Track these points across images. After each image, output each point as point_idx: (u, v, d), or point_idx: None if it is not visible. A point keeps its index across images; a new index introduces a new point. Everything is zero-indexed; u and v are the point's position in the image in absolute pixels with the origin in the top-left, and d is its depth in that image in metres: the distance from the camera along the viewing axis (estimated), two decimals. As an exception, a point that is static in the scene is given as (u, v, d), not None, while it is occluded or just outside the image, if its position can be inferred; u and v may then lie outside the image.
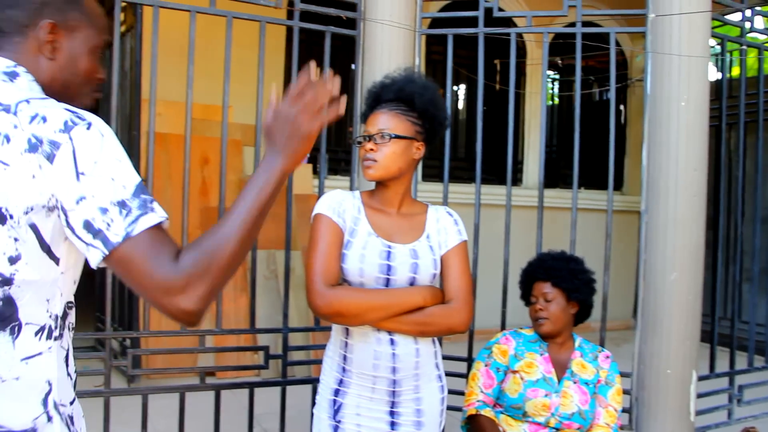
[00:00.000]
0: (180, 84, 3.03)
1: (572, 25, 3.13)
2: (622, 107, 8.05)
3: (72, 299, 1.26)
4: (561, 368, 2.47)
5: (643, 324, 2.97)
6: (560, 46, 5.67)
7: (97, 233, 1.11)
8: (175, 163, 5.17)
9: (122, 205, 1.11)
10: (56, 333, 1.20)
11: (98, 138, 1.14)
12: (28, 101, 1.15)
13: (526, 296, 2.59)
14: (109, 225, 1.10)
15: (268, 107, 1.29)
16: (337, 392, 2.03)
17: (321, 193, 2.98)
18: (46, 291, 1.17)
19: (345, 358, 2.03)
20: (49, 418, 1.17)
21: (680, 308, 2.91)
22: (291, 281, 4.07)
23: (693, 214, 2.91)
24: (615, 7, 3.30)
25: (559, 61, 7.89)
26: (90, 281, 2.87)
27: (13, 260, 1.13)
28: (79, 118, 1.14)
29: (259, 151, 2.95)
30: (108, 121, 3.21)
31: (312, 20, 3.06)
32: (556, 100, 8.31)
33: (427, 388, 2.05)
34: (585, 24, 3.06)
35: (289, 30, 4.66)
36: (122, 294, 4.70)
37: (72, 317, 1.27)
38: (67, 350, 1.25)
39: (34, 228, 1.13)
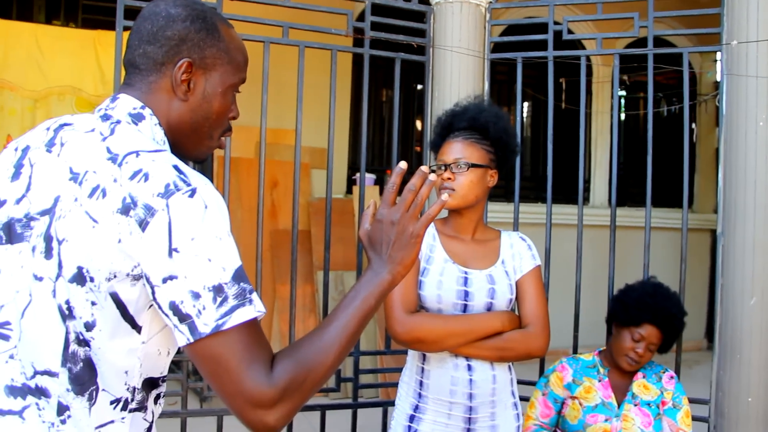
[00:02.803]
0: (248, 109, 3.07)
1: (642, 41, 3.08)
2: (693, 124, 7.87)
3: (165, 372, 1.17)
4: (621, 392, 2.42)
5: (721, 350, 2.88)
6: (627, 61, 5.59)
7: (184, 318, 0.99)
8: (245, 186, 5.28)
9: (218, 290, 0.98)
10: (132, 405, 1.10)
11: (200, 209, 1.00)
12: (137, 153, 1.04)
13: (624, 324, 2.40)
14: (200, 312, 0.98)
15: (364, 215, 1.18)
16: (412, 418, 2.04)
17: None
18: (124, 361, 1.07)
19: (421, 383, 2.04)
20: None
21: (761, 334, 2.81)
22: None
23: (773, 236, 2.82)
24: (686, 25, 3.23)
25: (626, 79, 7.77)
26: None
27: (89, 326, 1.03)
28: (185, 182, 1.02)
29: (331, 175, 2.99)
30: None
31: (380, 46, 3.10)
32: (623, 117, 8.19)
33: (503, 415, 2.05)
34: (655, 41, 3.01)
35: (356, 55, 4.74)
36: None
37: (163, 388, 1.18)
38: (151, 423, 1.15)
39: (115, 297, 1.03)
